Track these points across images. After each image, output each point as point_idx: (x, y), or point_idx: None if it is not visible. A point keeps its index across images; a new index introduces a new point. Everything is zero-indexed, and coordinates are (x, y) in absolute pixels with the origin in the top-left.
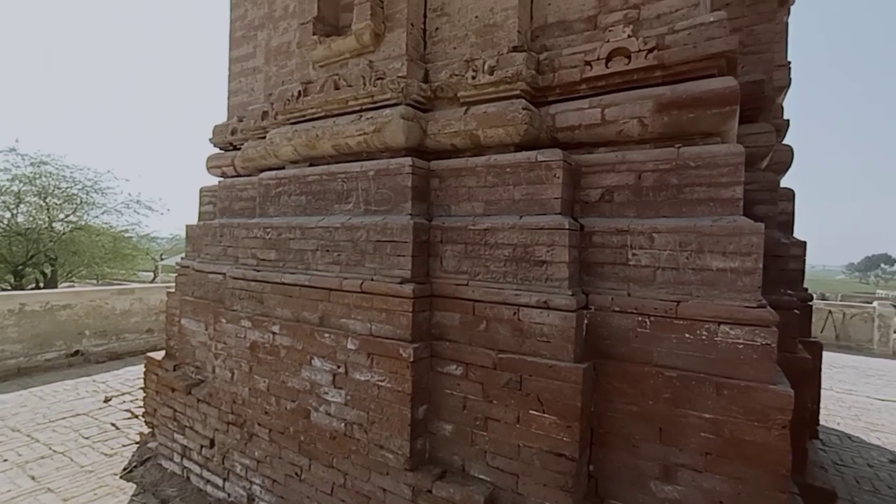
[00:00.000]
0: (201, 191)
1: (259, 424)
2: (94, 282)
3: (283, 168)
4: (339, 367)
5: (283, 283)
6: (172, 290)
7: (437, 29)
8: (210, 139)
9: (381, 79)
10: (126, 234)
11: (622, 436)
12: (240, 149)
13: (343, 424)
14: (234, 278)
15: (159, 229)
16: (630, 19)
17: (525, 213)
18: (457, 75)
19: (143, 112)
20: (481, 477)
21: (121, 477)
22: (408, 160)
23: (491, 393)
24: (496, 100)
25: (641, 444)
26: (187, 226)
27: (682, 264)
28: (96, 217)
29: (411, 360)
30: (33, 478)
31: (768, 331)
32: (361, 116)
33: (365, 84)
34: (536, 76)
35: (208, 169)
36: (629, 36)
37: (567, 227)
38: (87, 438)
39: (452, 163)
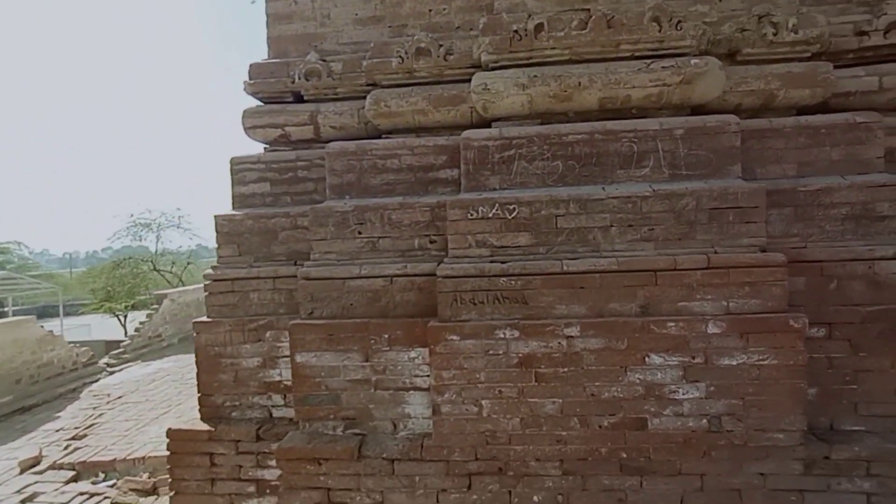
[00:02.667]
0: (236, 162)
1: (538, 461)
2: None
3: (492, 124)
4: (693, 357)
5: (567, 273)
6: (205, 318)
7: None
8: (248, 87)
9: (682, 21)
10: None
11: None
12: (307, 100)
13: (704, 420)
14: (456, 277)
15: None
16: None
17: (846, 172)
18: (746, 30)
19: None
20: (854, 429)
21: None
22: (733, 118)
23: (864, 346)
24: (791, 60)
25: None
26: (221, 217)
27: None
28: None
29: (803, 330)
30: None
31: None
32: (650, 65)
33: (661, 27)
34: (829, 39)
35: (252, 130)
36: None
37: None
38: None
39: (754, 123)
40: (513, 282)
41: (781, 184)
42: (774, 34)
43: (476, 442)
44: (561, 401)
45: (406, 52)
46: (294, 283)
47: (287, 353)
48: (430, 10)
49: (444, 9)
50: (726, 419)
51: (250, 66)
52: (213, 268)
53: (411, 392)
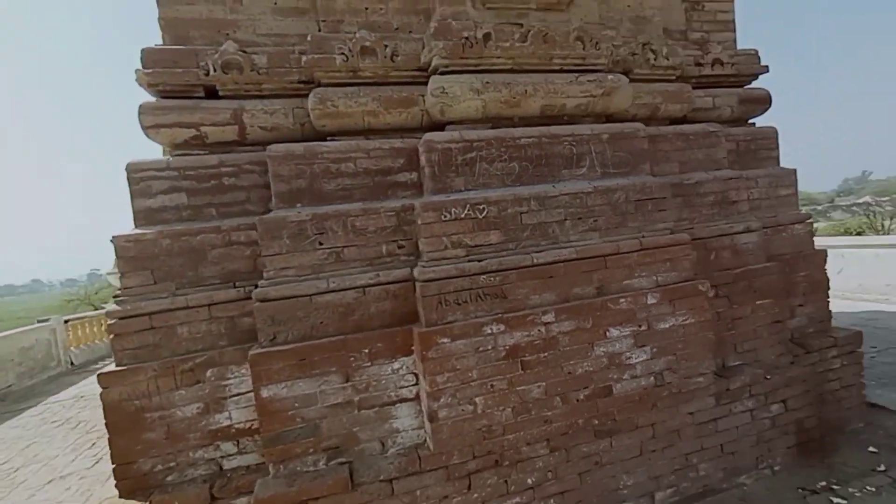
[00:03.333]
0: (136, 170)
1: (529, 444)
2: None
3: (442, 128)
4: (640, 325)
5: (537, 265)
6: (114, 367)
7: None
8: (144, 77)
9: (599, 42)
10: None
11: None
12: (224, 96)
13: (652, 378)
14: (439, 280)
15: None
16: (705, 39)
17: (708, 168)
18: (635, 54)
19: None
20: (736, 364)
21: None
22: (640, 125)
23: (736, 299)
24: (665, 81)
25: None
26: (124, 238)
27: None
28: None
29: (709, 292)
30: None
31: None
32: (578, 77)
33: (584, 45)
34: (684, 67)
35: (154, 130)
36: (721, 51)
37: (743, 177)
38: None
39: (650, 129)
40: (492, 278)
41: (672, 179)
42: (654, 59)
43: (473, 440)
44: (545, 383)
45: (350, 51)
46: (235, 308)
47: (237, 391)
48: (367, 9)
49: (381, 8)
50: (667, 374)
51: (144, 51)
52: (119, 301)
53: (398, 405)
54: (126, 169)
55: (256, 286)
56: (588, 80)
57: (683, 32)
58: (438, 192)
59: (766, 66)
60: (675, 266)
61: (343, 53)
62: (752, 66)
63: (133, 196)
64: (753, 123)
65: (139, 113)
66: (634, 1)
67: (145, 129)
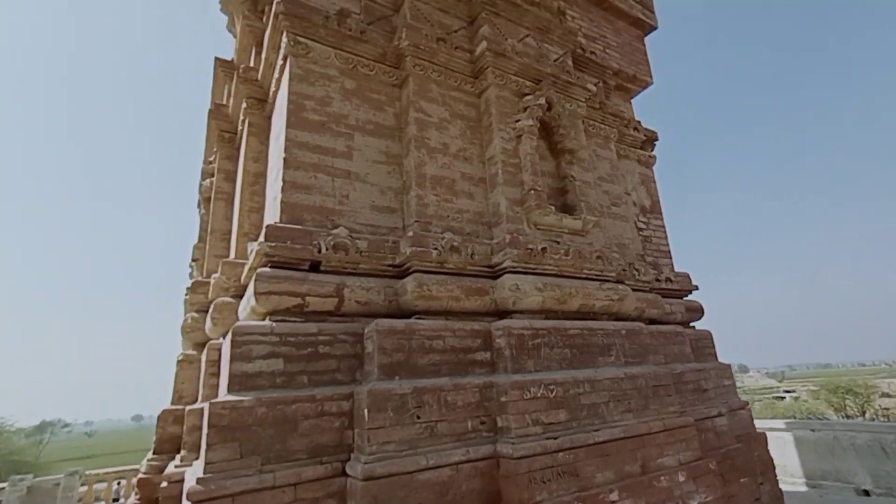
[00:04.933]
0: (241, 332)
1: None
2: None
3: (508, 315)
4: (677, 503)
5: (598, 443)
6: None
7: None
8: (266, 249)
9: (610, 263)
10: None
11: None
12: (327, 271)
13: None
14: (529, 457)
15: None
16: (656, 263)
17: (682, 361)
18: (626, 270)
19: None
20: None
21: None
22: (642, 324)
23: (727, 476)
24: (645, 291)
25: None
26: (220, 406)
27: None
28: None
29: (716, 469)
30: None
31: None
32: (601, 285)
33: (602, 261)
34: (653, 281)
35: (265, 296)
36: (669, 272)
37: (706, 369)
38: None
39: (651, 328)
40: (567, 456)
41: (664, 369)
42: (637, 275)
43: None
44: None
45: (442, 247)
46: (320, 488)
47: None
48: (448, 216)
49: (458, 217)
50: None
51: (267, 227)
52: (201, 480)
53: None
54: (232, 332)
55: (343, 462)
56: (608, 288)
57: (642, 256)
58: (516, 372)
59: (697, 285)
60: (688, 445)
61: (436, 248)
62: (688, 283)
63: (232, 359)
64: (693, 326)
65: (256, 280)
66: (618, 233)
67: (258, 294)
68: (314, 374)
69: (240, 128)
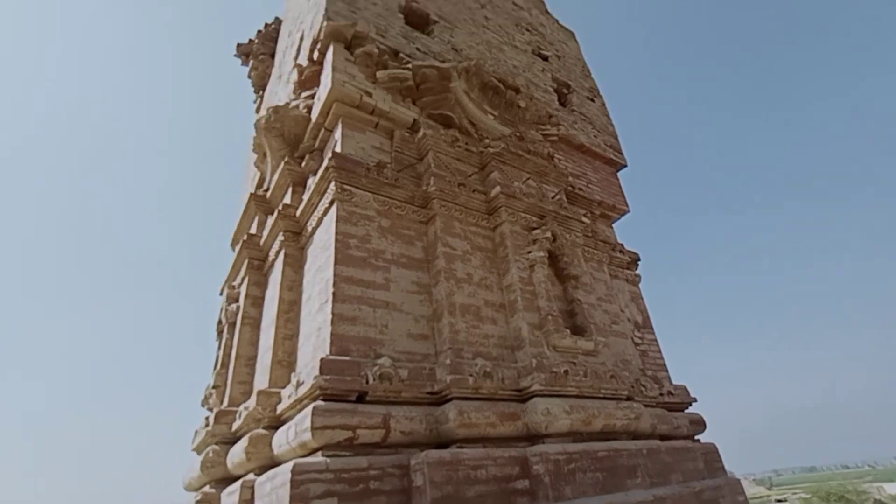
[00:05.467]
0: (300, 471)
1: None
2: None
3: (540, 439)
4: None
5: None
6: None
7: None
8: (322, 382)
9: (622, 381)
10: None
11: None
12: (372, 401)
13: None
14: None
15: None
16: (656, 377)
17: (697, 478)
18: (633, 386)
19: None
20: None
21: None
22: (659, 442)
23: None
24: (653, 406)
25: None
26: None
27: None
28: None
29: None
30: None
31: None
32: (619, 404)
33: (616, 380)
34: (659, 397)
35: (320, 431)
36: (669, 385)
37: (722, 485)
38: None
39: (665, 445)
40: None
41: (685, 489)
42: (644, 391)
43: None
44: None
45: (477, 373)
46: None
47: None
48: (476, 342)
49: (485, 342)
50: None
51: (321, 360)
52: None
53: None
54: (292, 471)
55: None
56: (625, 407)
57: (643, 371)
58: (556, 500)
59: (695, 398)
60: None
61: (472, 375)
62: (687, 395)
63: (291, 500)
64: (699, 440)
65: (312, 415)
66: (621, 350)
67: (313, 429)
68: None
69: (271, 257)
